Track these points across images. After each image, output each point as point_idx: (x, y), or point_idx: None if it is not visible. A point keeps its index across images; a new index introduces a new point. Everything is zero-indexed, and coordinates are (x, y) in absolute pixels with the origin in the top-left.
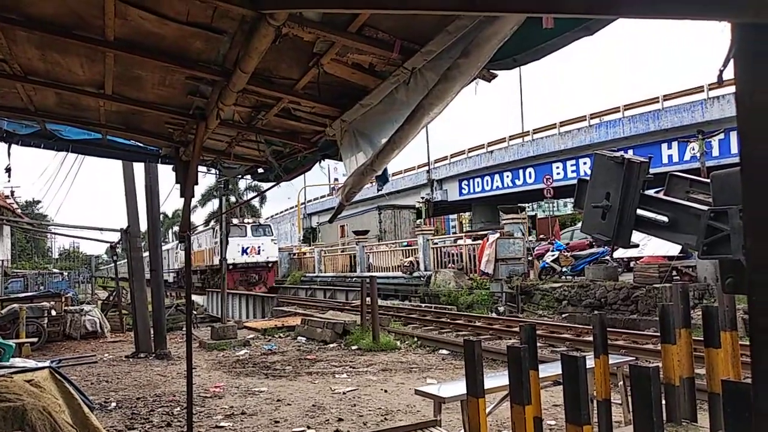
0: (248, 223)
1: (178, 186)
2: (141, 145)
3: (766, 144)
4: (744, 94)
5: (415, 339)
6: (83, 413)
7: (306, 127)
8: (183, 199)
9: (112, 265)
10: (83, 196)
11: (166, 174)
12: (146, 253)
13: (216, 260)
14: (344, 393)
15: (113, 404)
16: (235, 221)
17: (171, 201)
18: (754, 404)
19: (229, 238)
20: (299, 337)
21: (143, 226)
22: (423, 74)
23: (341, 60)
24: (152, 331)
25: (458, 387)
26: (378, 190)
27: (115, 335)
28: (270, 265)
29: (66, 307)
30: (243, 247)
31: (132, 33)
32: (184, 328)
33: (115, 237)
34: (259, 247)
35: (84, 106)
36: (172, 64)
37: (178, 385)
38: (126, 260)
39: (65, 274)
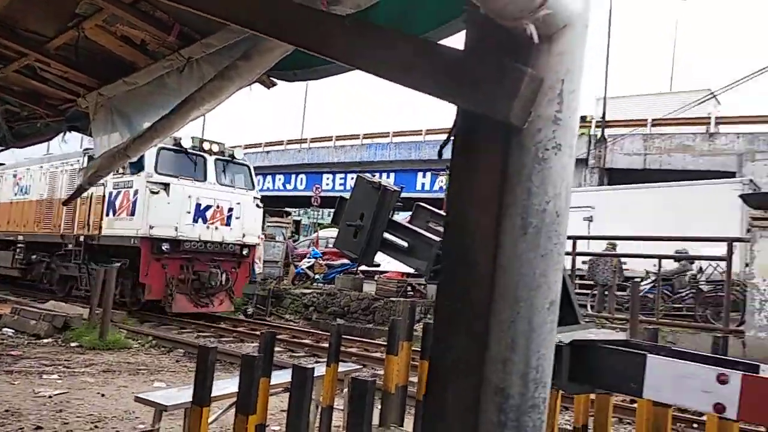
0: (211, 152)
1: None
2: None
3: (462, 219)
4: (454, 175)
5: (150, 338)
6: None
7: (54, 92)
8: None
9: None
10: None
11: None
12: None
13: (78, 228)
14: (50, 396)
15: None
16: (184, 142)
17: None
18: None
19: (170, 181)
20: (5, 329)
21: None
22: (200, 65)
23: (108, 29)
24: None
25: (185, 393)
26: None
27: None
28: (246, 252)
29: None
30: (198, 205)
31: None
32: None
33: None
34: (229, 210)
35: None
36: None
37: None
38: None
39: None
